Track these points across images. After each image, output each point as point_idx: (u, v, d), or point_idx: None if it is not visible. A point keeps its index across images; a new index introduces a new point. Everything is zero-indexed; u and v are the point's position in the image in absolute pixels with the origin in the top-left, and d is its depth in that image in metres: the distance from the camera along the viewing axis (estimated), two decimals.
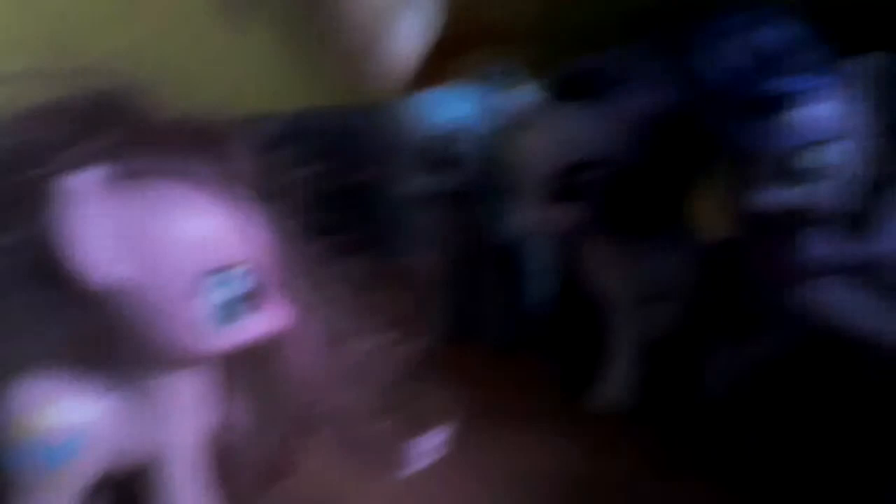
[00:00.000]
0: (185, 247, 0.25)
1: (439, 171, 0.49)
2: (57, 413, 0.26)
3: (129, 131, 0.26)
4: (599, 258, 0.44)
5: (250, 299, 0.26)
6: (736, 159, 0.34)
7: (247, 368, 0.29)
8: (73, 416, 0.26)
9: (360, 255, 0.30)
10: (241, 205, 0.27)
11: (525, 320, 0.54)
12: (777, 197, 0.33)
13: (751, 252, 0.37)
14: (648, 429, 0.42)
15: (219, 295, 0.25)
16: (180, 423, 0.28)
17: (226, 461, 0.31)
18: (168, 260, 0.25)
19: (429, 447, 0.32)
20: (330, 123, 0.70)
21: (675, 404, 0.43)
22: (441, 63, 0.49)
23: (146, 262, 0.25)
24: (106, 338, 0.26)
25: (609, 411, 0.44)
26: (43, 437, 0.25)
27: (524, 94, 0.41)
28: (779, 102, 0.32)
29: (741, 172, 0.34)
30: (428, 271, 0.56)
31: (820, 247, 0.34)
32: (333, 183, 0.28)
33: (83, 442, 0.26)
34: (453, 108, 0.49)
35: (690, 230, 0.42)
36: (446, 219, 0.52)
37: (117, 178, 0.25)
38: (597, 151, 0.40)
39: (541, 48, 0.46)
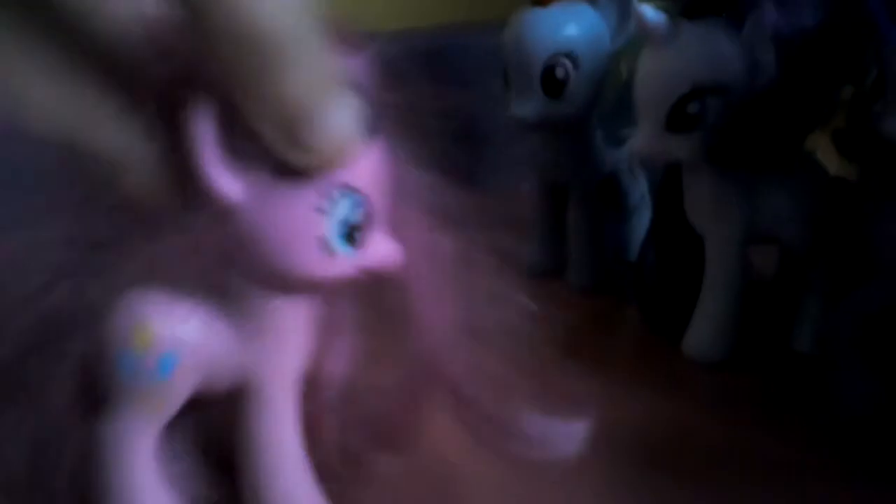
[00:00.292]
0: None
1: (550, 95, 0.47)
2: (165, 325, 0.26)
3: None
4: (705, 193, 0.41)
5: (366, 228, 0.26)
6: (890, 74, 0.31)
7: (365, 309, 0.29)
8: (179, 329, 0.26)
9: (462, 187, 0.29)
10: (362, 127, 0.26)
11: (618, 260, 0.52)
12: None
13: (874, 193, 0.34)
14: (744, 379, 0.40)
15: (335, 219, 0.25)
16: (283, 350, 0.28)
17: (340, 411, 0.31)
18: (287, 178, 0.25)
19: (563, 435, 0.30)
20: (438, 42, 0.69)
21: (773, 355, 0.41)
22: None
23: (266, 179, 0.25)
24: (227, 255, 0.26)
25: (702, 359, 0.42)
26: (151, 348, 0.26)
27: (648, 12, 0.39)
28: None
29: (887, 95, 0.31)
30: (526, 203, 0.54)
31: None
32: (438, 106, 0.27)
33: (186, 355, 0.26)
34: (571, 27, 0.46)
35: (807, 167, 0.40)
36: (550, 148, 0.51)
37: None
38: (720, 76, 0.38)
39: None
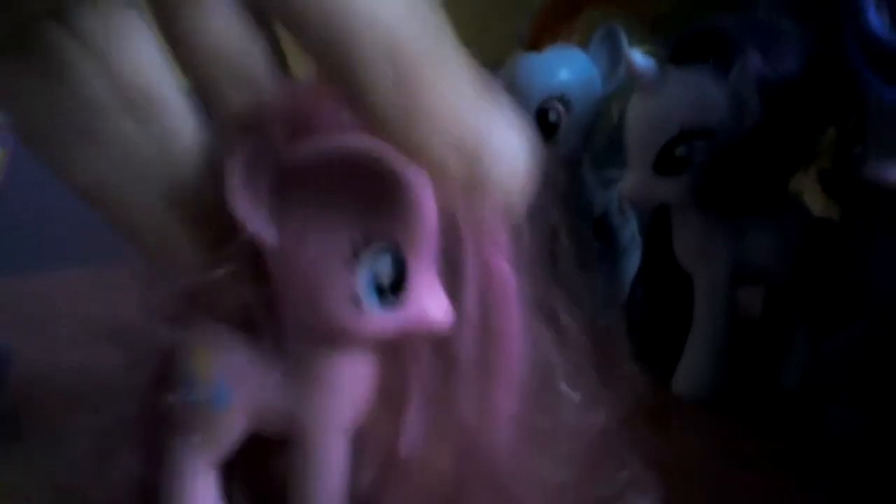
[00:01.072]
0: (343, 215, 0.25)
1: (544, 136, 0.48)
2: (222, 352, 0.26)
3: None
4: (693, 234, 0.42)
5: (407, 286, 0.25)
6: (870, 120, 0.32)
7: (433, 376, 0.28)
8: (235, 359, 0.26)
9: None
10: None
11: (610, 296, 0.53)
12: None
13: (859, 231, 0.35)
14: (731, 418, 0.40)
15: (367, 274, 0.25)
16: (331, 403, 0.27)
17: (389, 479, 0.29)
18: (323, 226, 0.25)
19: None
20: None
21: (761, 393, 0.42)
22: (554, 23, 0.48)
23: (302, 225, 0.25)
24: (273, 302, 0.26)
25: (691, 397, 0.42)
26: (210, 379, 0.26)
27: (638, 58, 0.40)
28: None
29: (867, 139, 0.32)
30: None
31: None
32: None
33: (239, 385, 0.26)
34: (564, 71, 0.48)
35: (792, 208, 0.41)
36: (545, 187, 0.51)
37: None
38: (707, 120, 0.39)
39: (658, 9, 0.45)
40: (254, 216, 0.24)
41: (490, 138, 0.22)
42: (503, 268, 0.26)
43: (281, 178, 0.24)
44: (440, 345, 0.26)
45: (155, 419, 0.27)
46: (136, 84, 0.23)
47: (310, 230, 0.25)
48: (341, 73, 0.22)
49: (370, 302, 0.25)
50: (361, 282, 0.25)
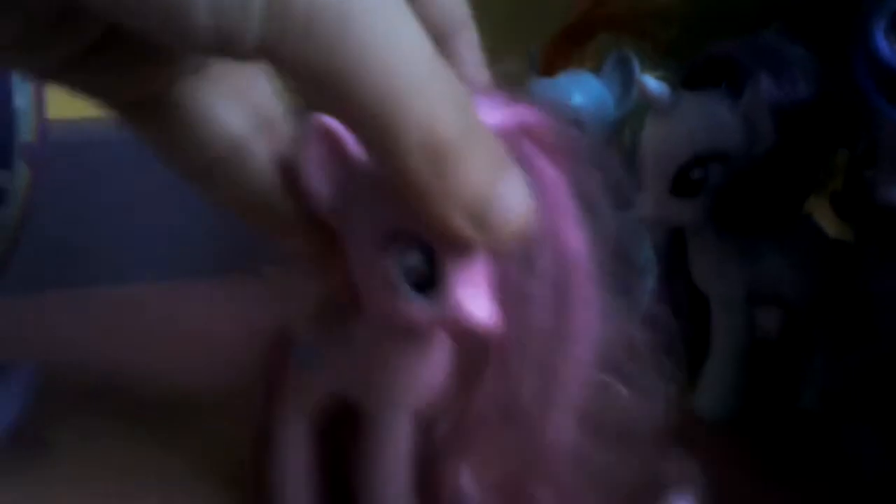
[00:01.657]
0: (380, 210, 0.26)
1: None
2: (321, 332, 0.31)
3: None
4: (708, 255, 0.42)
5: (442, 281, 0.26)
6: (881, 144, 0.33)
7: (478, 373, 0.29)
8: (329, 339, 0.31)
9: None
10: None
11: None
12: None
13: (872, 253, 0.35)
14: (751, 437, 0.40)
15: (406, 265, 0.26)
16: (393, 381, 0.29)
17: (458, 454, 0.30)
18: (367, 217, 0.26)
19: None
20: None
21: (780, 413, 0.42)
22: (567, 47, 0.49)
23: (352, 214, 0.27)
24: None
25: (710, 418, 0.42)
26: (311, 345, 0.31)
27: (651, 82, 0.40)
28: None
29: (878, 162, 0.33)
30: None
31: None
32: None
33: (330, 359, 0.30)
34: (577, 96, 0.48)
35: (806, 229, 0.41)
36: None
37: None
38: (720, 144, 0.39)
39: (671, 34, 0.45)
40: (326, 197, 0.27)
41: (503, 202, 0.24)
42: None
43: (343, 172, 0.26)
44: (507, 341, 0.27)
45: (269, 386, 0.32)
46: (229, 135, 0.29)
47: (357, 220, 0.26)
48: (375, 150, 0.23)
49: (405, 290, 0.26)
50: (397, 271, 0.26)
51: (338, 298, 0.30)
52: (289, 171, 0.28)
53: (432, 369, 0.29)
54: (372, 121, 0.22)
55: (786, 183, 0.38)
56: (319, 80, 0.21)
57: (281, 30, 0.20)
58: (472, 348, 0.29)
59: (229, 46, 0.20)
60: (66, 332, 0.52)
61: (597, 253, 0.28)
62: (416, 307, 0.26)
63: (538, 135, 0.27)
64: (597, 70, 0.49)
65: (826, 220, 0.40)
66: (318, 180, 0.27)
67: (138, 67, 0.26)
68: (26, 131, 0.44)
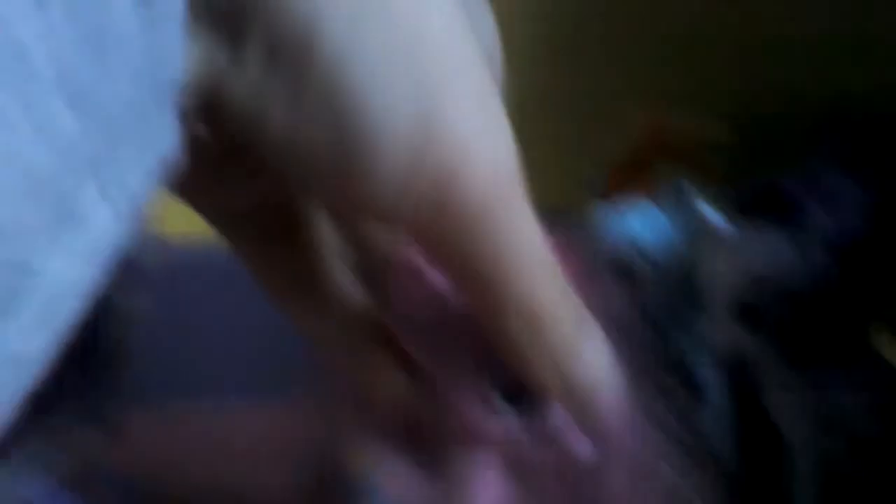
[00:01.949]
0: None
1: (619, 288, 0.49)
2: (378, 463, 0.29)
3: None
4: (779, 388, 0.41)
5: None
6: None
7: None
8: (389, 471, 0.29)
9: None
10: None
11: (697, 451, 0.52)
12: None
13: None
14: None
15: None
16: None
17: None
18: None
19: None
20: None
21: None
22: (626, 176, 0.50)
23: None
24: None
25: None
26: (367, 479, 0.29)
27: (708, 212, 0.40)
28: None
29: None
30: None
31: None
32: None
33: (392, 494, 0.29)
34: (636, 223, 0.49)
35: (871, 360, 0.40)
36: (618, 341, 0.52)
37: None
38: (777, 273, 0.39)
39: (729, 164, 0.46)
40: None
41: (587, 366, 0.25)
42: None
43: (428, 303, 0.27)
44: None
45: None
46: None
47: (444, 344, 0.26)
48: (475, 304, 0.24)
49: (494, 401, 0.26)
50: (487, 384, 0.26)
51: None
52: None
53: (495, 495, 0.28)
54: (482, 285, 0.23)
55: (844, 313, 0.38)
56: (444, 248, 0.22)
57: (434, 219, 0.21)
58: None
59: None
60: None
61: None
62: (508, 421, 0.26)
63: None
64: (653, 197, 0.49)
65: (890, 349, 0.39)
66: (404, 306, 0.27)
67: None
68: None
